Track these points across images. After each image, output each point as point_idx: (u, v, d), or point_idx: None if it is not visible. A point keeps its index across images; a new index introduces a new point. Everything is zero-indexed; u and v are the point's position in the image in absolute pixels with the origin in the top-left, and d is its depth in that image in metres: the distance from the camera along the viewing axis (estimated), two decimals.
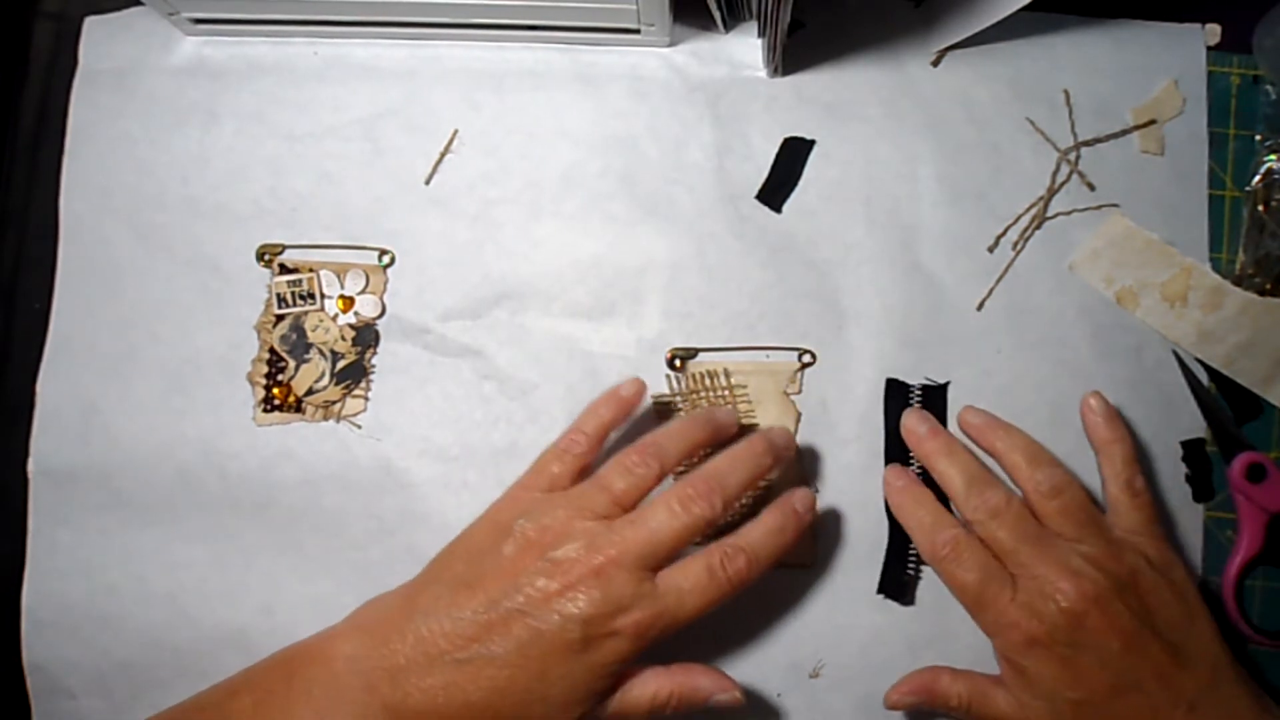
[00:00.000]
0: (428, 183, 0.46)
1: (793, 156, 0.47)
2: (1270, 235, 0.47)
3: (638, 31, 0.45)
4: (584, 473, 0.40)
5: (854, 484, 0.45)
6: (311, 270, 0.46)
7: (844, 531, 0.45)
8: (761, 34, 0.44)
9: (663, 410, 0.45)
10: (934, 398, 0.45)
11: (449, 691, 0.35)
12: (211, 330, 0.45)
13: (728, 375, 0.45)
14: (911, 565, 0.45)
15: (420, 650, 0.35)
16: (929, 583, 0.45)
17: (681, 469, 0.41)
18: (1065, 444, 0.45)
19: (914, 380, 0.46)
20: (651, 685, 0.38)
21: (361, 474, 0.45)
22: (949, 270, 0.46)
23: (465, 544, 0.39)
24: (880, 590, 0.45)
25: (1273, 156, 0.47)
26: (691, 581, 0.37)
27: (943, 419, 0.45)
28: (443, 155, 0.46)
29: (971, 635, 0.44)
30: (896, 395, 0.45)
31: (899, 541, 0.45)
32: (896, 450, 0.45)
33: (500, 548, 0.37)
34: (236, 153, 0.46)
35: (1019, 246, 0.47)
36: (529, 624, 0.35)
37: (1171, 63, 0.48)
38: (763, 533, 0.39)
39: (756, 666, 0.44)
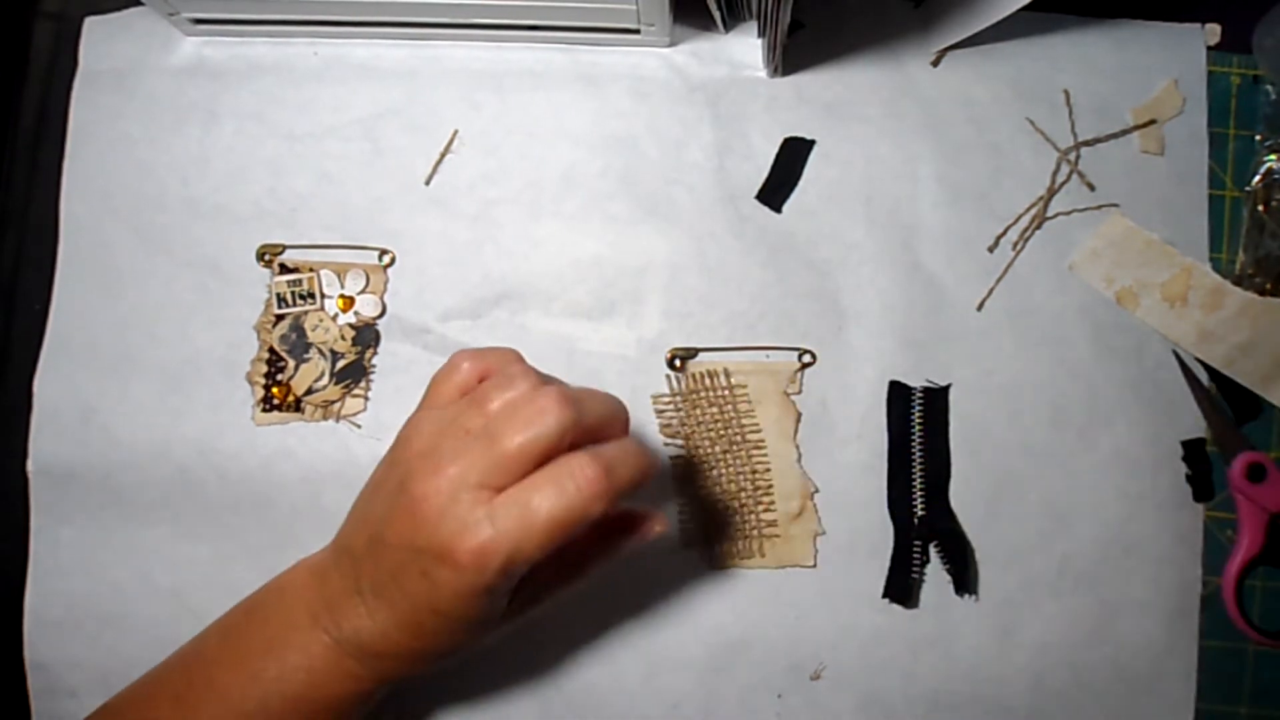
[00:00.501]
0: (428, 183, 0.46)
1: (793, 156, 0.47)
2: (1270, 235, 0.47)
3: (638, 31, 0.45)
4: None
5: (854, 484, 0.45)
6: (311, 270, 0.46)
7: (844, 532, 0.45)
8: (761, 34, 0.44)
9: (662, 410, 0.45)
10: (936, 400, 0.45)
11: (367, 619, 0.35)
12: (211, 330, 0.45)
13: (728, 375, 0.45)
14: (916, 569, 0.45)
15: (342, 582, 0.36)
16: (931, 584, 0.45)
17: None
18: (1065, 444, 0.45)
19: (916, 382, 0.46)
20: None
21: (361, 473, 0.44)
22: (949, 270, 0.46)
23: (373, 472, 0.38)
24: (886, 594, 0.45)
25: (1273, 156, 0.47)
26: (537, 496, 0.31)
27: (944, 420, 0.45)
28: (443, 155, 0.46)
29: (973, 636, 0.45)
30: (899, 398, 0.45)
31: (903, 545, 0.45)
32: (899, 452, 0.45)
33: (387, 476, 0.36)
34: (236, 153, 0.46)
35: (1019, 246, 0.47)
36: (392, 556, 0.33)
37: (1171, 63, 0.48)
38: (620, 449, 0.34)
39: (757, 667, 0.44)
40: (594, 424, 0.34)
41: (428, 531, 0.32)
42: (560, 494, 0.31)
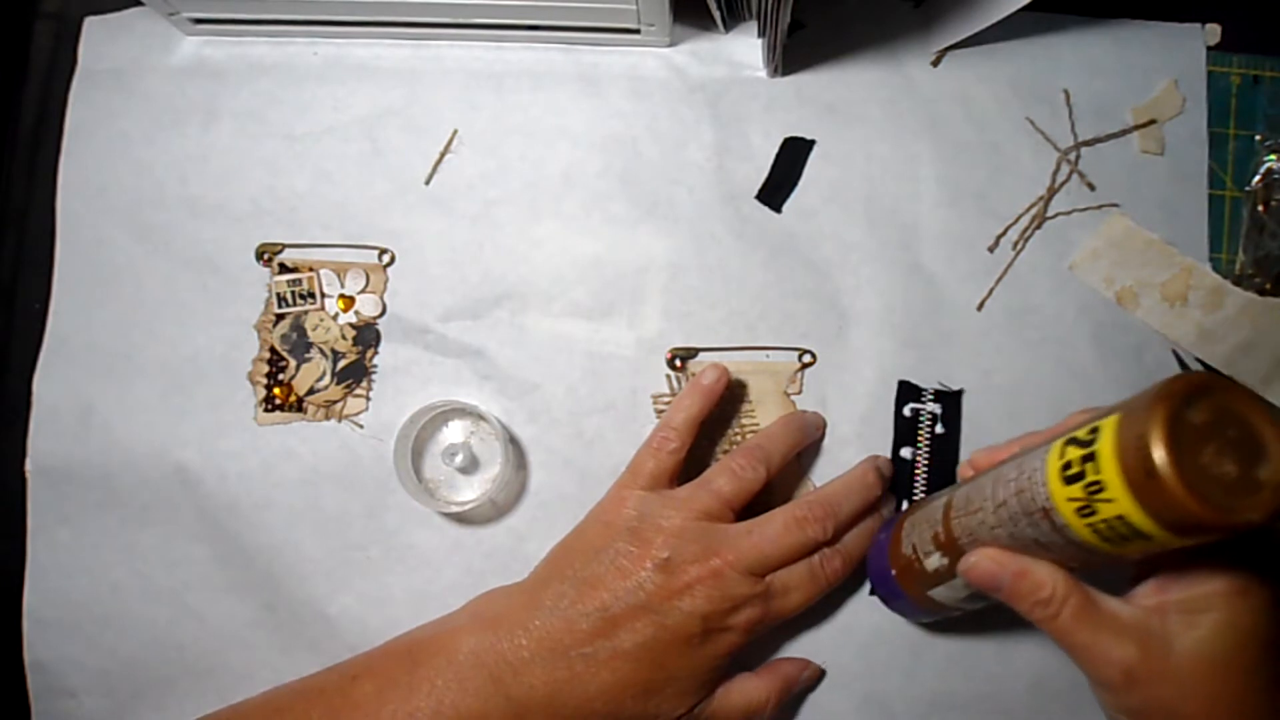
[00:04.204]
0: (428, 183, 0.46)
1: (793, 156, 0.47)
2: (1270, 235, 0.47)
3: (638, 31, 0.45)
4: (680, 468, 0.42)
5: None
6: (311, 269, 0.46)
7: None
8: (761, 34, 0.44)
9: (662, 410, 0.45)
10: (946, 403, 0.45)
11: (572, 684, 0.37)
12: (211, 330, 0.45)
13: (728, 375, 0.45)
14: None
15: (545, 645, 0.37)
16: None
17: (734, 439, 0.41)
18: None
19: (926, 384, 0.45)
20: (748, 688, 0.41)
21: (363, 474, 0.45)
22: (949, 270, 0.46)
23: (580, 543, 0.40)
24: (873, 591, 0.45)
25: (1273, 156, 0.47)
26: (796, 582, 0.40)
27: (957, 424, 0.45)
28: (443, 155, 0.46)
29: (973, 636, 0.45)
30: (908, 398, 0.45)
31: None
32: (901, 452, 0.45)
33: (617, 547, 0.39)
34: (236, 152, 0.46)
35: (1019, 246, 0.47)
36: (652, 619, 0.38)
37: (1171, 63, 0.48)
38: (855, 535, 0.42)
39: (756, 667, 0.44)
40: (850, 522, 0.42)
41: (706, 601, 0.38)
42: (813, 581, 0.40)
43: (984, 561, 0.33)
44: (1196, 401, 0.27)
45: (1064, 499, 0.29)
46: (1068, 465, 0.29)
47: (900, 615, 0.43)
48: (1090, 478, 0.28)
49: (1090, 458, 0.28)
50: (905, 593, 0.39)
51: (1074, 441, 0.29)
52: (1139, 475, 0.26)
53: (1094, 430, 0.29)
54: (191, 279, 0.46)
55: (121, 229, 0.46)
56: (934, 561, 0.37)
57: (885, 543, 0.41)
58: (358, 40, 0.47)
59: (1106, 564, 0.31)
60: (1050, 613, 0.32)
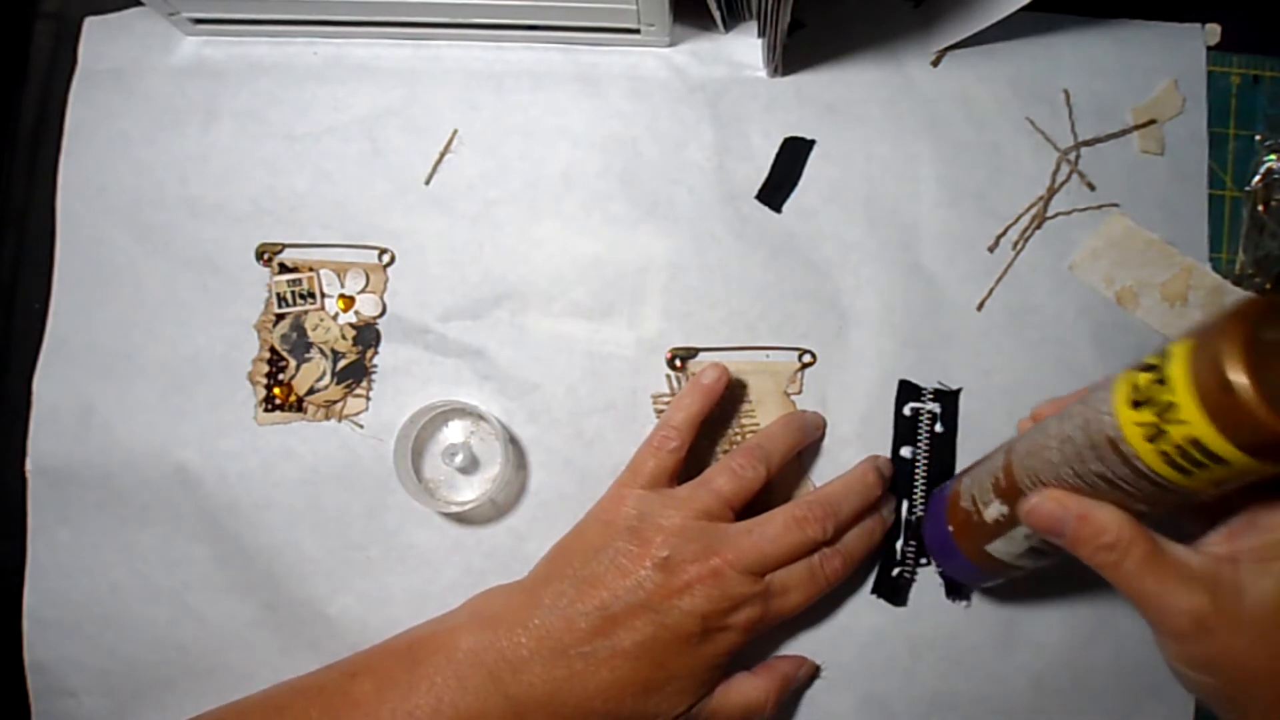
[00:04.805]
0: (428, 183, 0.46)
1: (793, 156, 0.47)
2: (1270, 235, 0.47)
3: (638, 31, 0.45)
4: (680, 467, 0.42)
5: None
6: (311, 269, 0.46)
7: None
8: (761, 34, 0.44)
9: (662, 410, 0.45)
10: (945, 402, 0.45)
11: (571, 682, 0.37)
12: (211, 330, 0.45)
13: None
14: (908, 568, 0.45)
15: (544, 644, 0.37)
16: (931, 584, 0.45)
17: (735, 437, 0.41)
18: None
19: (926, 383, 0.46)
20: (747, 688, 0.41)
21: (363, 473, 0.45)
22: (949, 270, 0.46)
23: (580, 542, 0.41)
24: (874, 591, 0.45)
25: (1273, 156, 0.47)
26: (795, 581, 0.40)
27: (952, 424, 0.45)
28: (442, 155, 0.46)
29: (973, 636, 0.45)
30: (907, 397, 0.45)
31: (890, 542, 0.45)
32: (901, 452, 0.45)
33: (616, 546, 0.39)
34: (236, 152, 0.46)
35: (1019, 246, 0.47)
36: (651, 618, 0.38)
37: (1171, 63, 0.48)
38: (855, 536, 0.42)
39: (755, 666, 0.44)
40: (851, 522, 0.42)
41: (705, 601, 0.38)
42: (812, 580, 0.40)
43: (1046, 503, 0.32)
44: (1272, 320, 0.26)
45: (1131, 424, 0.28)
46: (1136, 389, 0.28)
47: (955, 580, 0.43)
48: (1163, 398, 0.27)
49: (1161, 380, 0.27)
50: (962, 551, 0.39)
51: (1143, 367, 0.29)
52: (1214, 392, 0.26)
53: (1164, 354, 0.28)
54: (191, 279, 0.46)
55: (121, 229, 0.46)
56: (994, 511, 0.36)
57: (943, 500, 0.40)
58: (358, 40, 0.47)
59: (1173, 506, 0.30)
60: (1114, 559, 0.31)
